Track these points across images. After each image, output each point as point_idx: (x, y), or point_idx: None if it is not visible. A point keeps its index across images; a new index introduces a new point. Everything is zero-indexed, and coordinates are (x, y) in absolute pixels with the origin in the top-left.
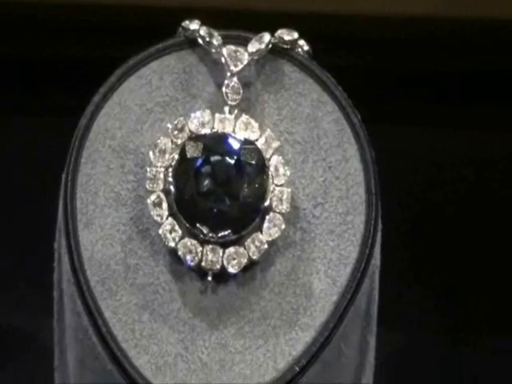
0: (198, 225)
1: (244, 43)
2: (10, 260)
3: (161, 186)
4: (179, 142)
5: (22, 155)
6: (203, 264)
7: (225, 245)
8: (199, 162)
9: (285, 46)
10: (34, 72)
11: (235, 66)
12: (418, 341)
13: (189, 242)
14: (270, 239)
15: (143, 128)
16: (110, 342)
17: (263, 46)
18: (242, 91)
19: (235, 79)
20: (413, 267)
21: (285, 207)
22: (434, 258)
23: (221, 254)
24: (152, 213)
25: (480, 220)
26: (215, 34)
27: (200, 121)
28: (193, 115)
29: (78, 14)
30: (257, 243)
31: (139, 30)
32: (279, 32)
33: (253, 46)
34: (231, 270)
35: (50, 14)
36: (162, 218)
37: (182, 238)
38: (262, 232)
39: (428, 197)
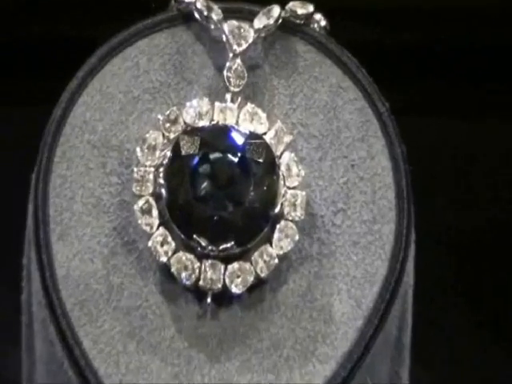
0: (194, 236)
1: (249, 18)
2: None
3: (150, 190)
4: (172, 136)
5: None
6: (201, 283)
7: (227, 260)
8: (196, 160)
9: (298, 22)
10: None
11: (238, 45)
12: (456, 377)
13: (184, 256)
14: (281, 253)
15: (129, 120)
16: (90, 378)
17: (272, 22)
18: (246, 75)
19: (239, 61)
20: (454, 285)
21: (299, 214)
22: (480, 274)
23: (222, 270)
24: (140, 221)
25: None
26: (215, 6)
27: (197, 111)
28: (188, 104)
29: None
30: (265, 258)
31: (124, 3)
32: (291, 4)
33: (259, 22)
34: (235, 289)
35: None
36: (151, 228)
37: (175, 251)
38: (271, 244)
39: (470, 202)
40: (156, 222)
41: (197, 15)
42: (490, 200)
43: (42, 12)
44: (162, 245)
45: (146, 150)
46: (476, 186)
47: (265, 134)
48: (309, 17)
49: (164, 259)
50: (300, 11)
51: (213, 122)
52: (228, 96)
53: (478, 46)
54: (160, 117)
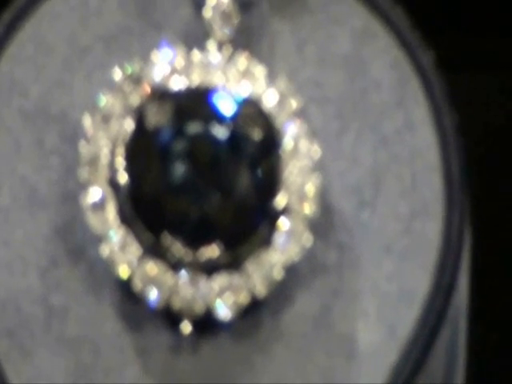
0: (166, 238)
1: None
2: None
3: (104, 175)
4: (134, 101)
5: None
6: (176, 304)
7: (211, 271)
8: (168, 134)
9: None
10: None
11: None
12: None
13: (152, 267)
14: (286, 262)
15: (74, 79)
16: None
17: None
18: (237, 15)
19: None
20: None
21: (310, 208)
22: None
23: (205, 286)
24: (90, 219)
25: None
26: None
27: (168, 66)
28: (156, 57)
29: None
30: (264, 269)
31: None
32: None
33: None
34: (222, 313)
35: None
36: (106, 228)
37: (140, 260)
38: (272, 250)
39: None
40: (112, 220)
41: None
42: None
43: None
44: (121, 251)
45: (97, 121)
46: None
47: (263, 97)
48: None
49: (124, 272)
50: None
51: (191, 82)
52: (211, 44)
53: None
54: (118, 74)
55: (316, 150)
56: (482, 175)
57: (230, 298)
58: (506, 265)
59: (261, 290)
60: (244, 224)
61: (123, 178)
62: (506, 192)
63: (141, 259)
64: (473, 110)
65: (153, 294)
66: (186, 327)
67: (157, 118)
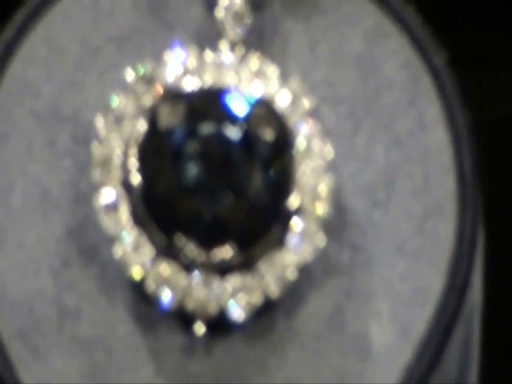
0: (180, 239)
1: None
2: None
3: (117, 176)
4: (147, 102)
5: None
6: (189, 306)
7: (224, 272)
8: (181, 135)
9: None
10: None
11: None
12: None
13: (165, 267)
14: (299, 262)
15: (86, 80)
16: None
17: None
18: (249, 16)
19: None
20: None
21: (323, 209)
22: None
23: (218, 287)
24: (103, 220)
25: None
26: None
27: (181, 67)
28: (169, 58)
29: None
30: (277, 270)
31: None
32: None
33: None
34: (236, 314)
35: None
36: (119, 229)
37: (153, 261)
38: (285, 250)
39: None
40: (125, 221)
41: None
42: None
43: None
44: (134, 252)
45: (110, 122)
46: None
47: (275, 98)
48: None
49: (137, 273)
50: None
51: (203, 83)
52: (224, 45)
53: None
54: (130, 75)
55: (329, 150)
56: (495, 174)
57: (243, 298)
58: None
59: (274, 290)
60: (257, 224)
61: (136, 178)
62: None
63: (154, 260)
64: (484, 107)
65: (166, 295)
66: (200, 328)
67: (169, 118)
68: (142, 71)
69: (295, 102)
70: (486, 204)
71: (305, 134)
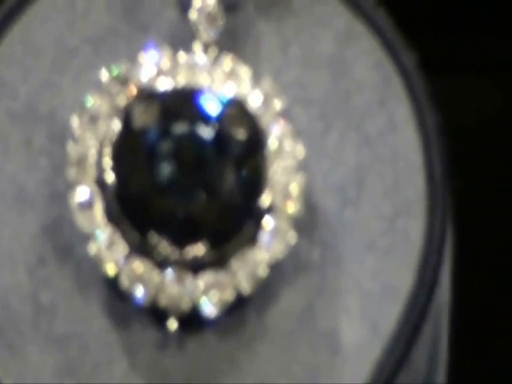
0: (153, 236)
1: None
2: None
3: (92, 175)
4: (121, 102)
5: None
6: (162, 302)
7: (197, 269)
8: (155, 135)
9: None
10: None
11: None
12: None
13: (139, 264)
14: (271, 260)
15: (62, 80)
16: None
17: None
18: (222, 17)
19: None
20: (504, 302)
21: (294, 207)
22: None
23: (191, 284)
24: (78, 218)
25: None
26: None
27: (154, 68)
28: (142, 58)
29: None
30: (249, 267)
31: None
32: None
33: None
34: (208, 310)
35: None
36: (94, 227)
37: (127, 259)
38: (257, 248)
39: None
40: (100, 219)
41: None
42: None
43: None
44: (108, 249)
45: (85, 122)
46: None
47: (248, 98)
48: None
49: (111, 270)
50: None
51: (177, 83)
52: (197, 46)
53: None
54: (104, 75)
55: (300, 150)
56: (464, 174)
57: (215, 295)
58: (487, 262)
59: (246, 287)
60: (229, 223)
61: (110, 177)
62: (488, 190)
63: (127, 257)
64: (453, 110)
65: (139, 292)
66: (172, 324)
67: (143, 118)
68: (116, 72)
69: (267, 102)
70: (455, 204)
71: (276, 134)
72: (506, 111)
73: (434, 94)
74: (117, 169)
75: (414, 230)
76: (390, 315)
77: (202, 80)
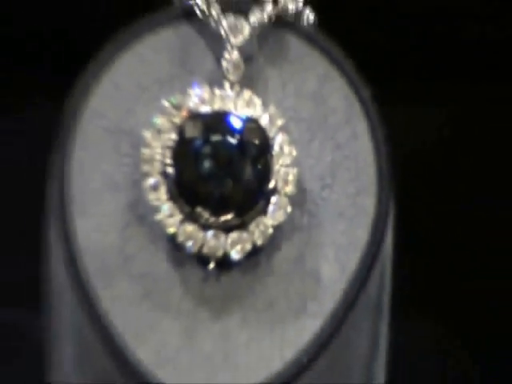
0: (199, 209)
1: (245, 14)
2: None
3: (159, 169)
4: (177, 121)
5: (4, 140)
6: (205, 250)
7: (227, 230)
8: (199, 142)
9: (289, 17)
10: (8, 46)
11: (235, 38)
12: (435, 331)
13: (189, 227)
14: (275, 223)
15: (138, 107)
16: (109, 335)
17: (265, 16)
18: (243, 66)
19: (236, 53)
20: (429, 252)
21: (291, 189)
22: (457, 244)
23: (223, 239)
24: (150, 197)
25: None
26: (214, 4)
27: (199, 98)
28: (191, 92)
29: None
30: (261, 227)
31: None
32: (283, 1)
33: (254, 17)
34: (234, 256)
35: None
36: (160, 203)
37: (182, 223)
38: (266, 216)
39: (446, 179)
40: (164, 197)
41: (197, 11)
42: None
43: (53, 11)
44: (170, 217)
45: (154, 134)
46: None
47: (260, 118)
48: (299, 12)
49: (172, 230)
50: (291, 7)
51: (214, 108)
52: (227, 85)
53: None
54: (166, 104)
55: (294, 152)
56: (404, 172)
57: (239, 246)
58: (420, 222)
59: (259, 241)
60: (248, 200)
61: (170, 170)
62: (422, 179)
63: (182, 222)
64: (403, 132)
65: (190, 244)
66: (211, 265)
67: (191, 131)
68: (173, 101)
69: (272, 121)
70: (397, 186)
71: (278, 141)
72: (451, 141)
73: (386, 122)
74: (174, 165)
75: (369, 204)
76: (354, 260)
77: (230, 106)
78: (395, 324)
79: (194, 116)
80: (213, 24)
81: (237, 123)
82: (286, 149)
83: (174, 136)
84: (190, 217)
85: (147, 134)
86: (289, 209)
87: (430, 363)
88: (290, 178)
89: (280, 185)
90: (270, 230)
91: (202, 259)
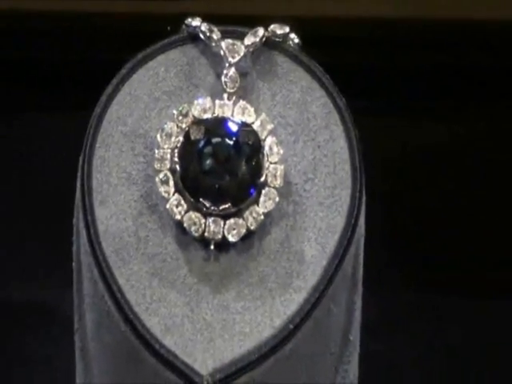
0: (201, 199)
1: (240, 37)
2: (35, 236)
3: (168, 166)
4: (184, 126)
5: (46, 144)
6: (206, 234)
7: (225, 217)
8: (202, 143)
9: (277, 39)
10: (59, 74)
11: (233, 57)
12: (400, 301)
13: (193, 215)
14: (265, 211)
15: (151, 114)
16: (124, 306)
17: (258, 39)
18: (239, 80)
19: (233, 69)
20: (394, 234)
21: (279, 182)
22: (415, 225)
23: (222, 225)
24: (160, 190)
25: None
26: (215, 29)
27: (202, 107)
28: (196, 102)
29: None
30: (254, 215)
31: (147, 29)
32: (272, 26)
33: (248, 40)
34: (231, 239)
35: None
36: (169, 194)
37: (187, 211)
38: (258, 205)
39: (408, 171)
40: (172, 189)
41: (201, 35)
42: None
43: (85, 40)
44: (176, 206)
45: (164, 137)
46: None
47: (253, 123)
48: (285, 35)
49: (178, 217)
50: (279, 31)
51: (214, 115)
52: (225, 95)
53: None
54: (175, 112)
55: (281, 152)
56: (373, 165)
57: (236, 230)
58: (386, 208)
59: (252, 226)
60: (243, 192)
61: (177, 167)
62: (388, 173)
63: (187, 211)
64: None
65: (194, 228)
66: (212, 246)
67: (196, 134)
68: (181, 109)
69: (263, 125)
70: (366, 180)
71: (269, 143)
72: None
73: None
74: (181, 162)
75: (345, 195)
76: (332, 242)
77: (228, 113)
78: (368, 296)
79: (198, 122)
80: (214, 45)
81: (233, 127)
82: (275, 149)
83: (180, 138)
84: (194, 206)
85: (158, 137)
86: (277, 199)
87: (400, 333)
88: (278, 173)
89: (270, 179)
90: (262, 217)
91: (203, 242)
